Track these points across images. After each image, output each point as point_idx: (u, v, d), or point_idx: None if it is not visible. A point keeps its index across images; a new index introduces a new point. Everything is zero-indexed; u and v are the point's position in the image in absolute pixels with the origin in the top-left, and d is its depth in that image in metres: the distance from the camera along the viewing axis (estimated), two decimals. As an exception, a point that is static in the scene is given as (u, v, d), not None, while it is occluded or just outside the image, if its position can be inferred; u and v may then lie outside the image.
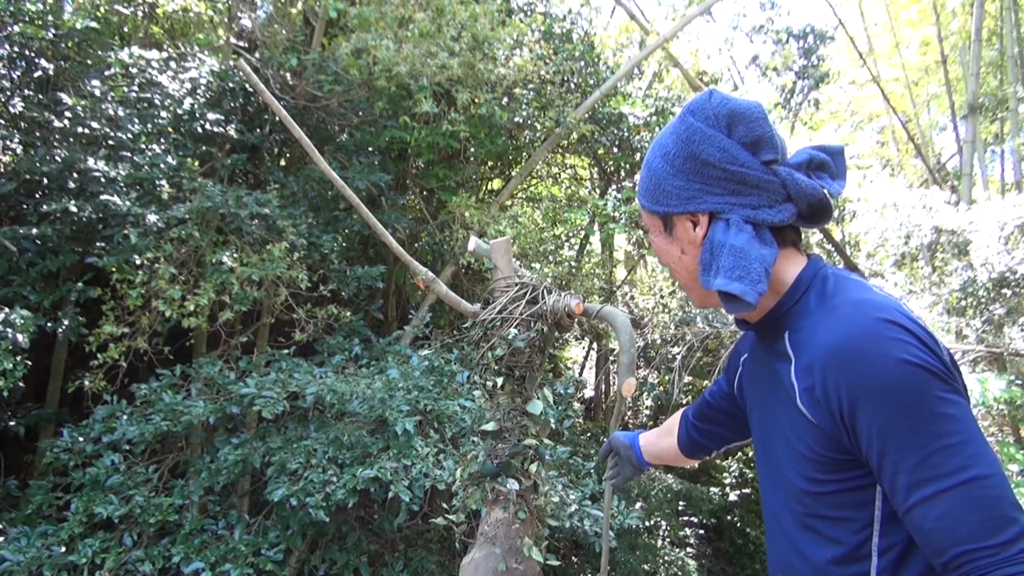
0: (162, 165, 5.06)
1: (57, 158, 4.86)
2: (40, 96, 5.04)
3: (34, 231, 4.61)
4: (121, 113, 5.17)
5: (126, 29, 6.32)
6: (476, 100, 5.86)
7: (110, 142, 5.16)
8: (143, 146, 5.34)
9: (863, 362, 0.93)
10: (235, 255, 4.87)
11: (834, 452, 0.99)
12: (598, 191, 8.86)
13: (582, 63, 6.86)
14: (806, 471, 1.03)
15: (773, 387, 1.10)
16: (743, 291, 1.01)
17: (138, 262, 4.58)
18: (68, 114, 5.04)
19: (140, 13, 6.32)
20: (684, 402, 11.41)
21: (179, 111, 5.39)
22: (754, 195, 1.06)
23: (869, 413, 0.92)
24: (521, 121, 6.80)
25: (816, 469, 1.01)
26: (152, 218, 4.67)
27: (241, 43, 6.08)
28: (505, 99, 6.52)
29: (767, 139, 1.06)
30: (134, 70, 5.39)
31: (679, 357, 7.87)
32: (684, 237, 1.11)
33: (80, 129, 5.07)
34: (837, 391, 0.95)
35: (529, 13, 7.05)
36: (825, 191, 1.06)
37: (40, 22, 4.84)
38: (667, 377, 9.75)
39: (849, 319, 0.97)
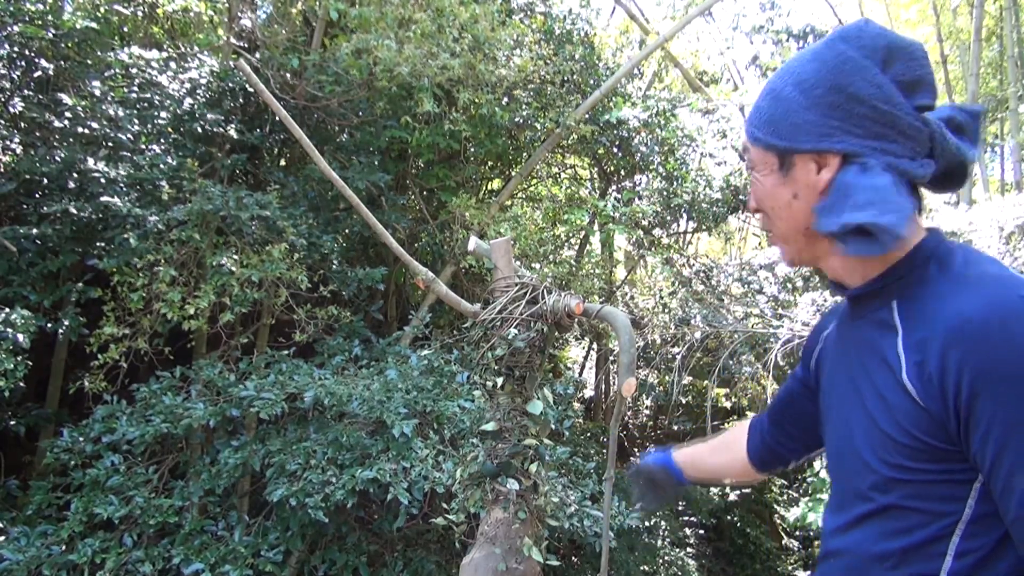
0: (162, 165, 5.06)
1: (57, 158, 4.86)
2: (40, 96, 5.04)
3: (34, 231, 4.61)
4: (121, 113, 5.17)
5: (126, 29, 6.32)
6: (477, 100, 5.86)
7: (110, 143, 5.16)
8: (143, 146, 5.34)
9: (1001, 340, 0.81)
10: (235, 256, 4.87)
11: (934, 439, 0.88)
12: (598, 191, 8.86)
13: (582, 64, 6.86)
14: (892, 457, 0.92)
15: (866, 361, 0.98)
16: (891, 222, 0.88)
17: (138, 264, 4.58)
18: (68, 114, 5.04)
19: (140, 13, 6.32)
20: (684, 402, 11.44)
21: (179, 111, 5.39)
22: (899, 142, 0.93)
23: (995, 398, 0.81)
24: (521, 121, 6.80)
25: (907, 456, 0.90)
26: (152, 219, 4.67)
27: (241, 43, 6.08)
28: (505, 99, 6.52)
29: (927, 82, 0.93)
30: (134, 70, 5.39)
31: (679, 357, 7.87)
32: (803, 180, 0.97)
33: (80, 129, 5.07)
34: (959, 369, 0.84)
35: (529, 13, 7.05)
36: (966, 155, 0.95)
37: (40, 22, 4.84)
38: (667, 377, 9.75)
39: (989, 293, 0.86)
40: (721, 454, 1.54)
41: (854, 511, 0.99)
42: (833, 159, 0.95)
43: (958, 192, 8.13)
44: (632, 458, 11.58)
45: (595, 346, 11.45)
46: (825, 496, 5.25)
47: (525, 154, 7.41)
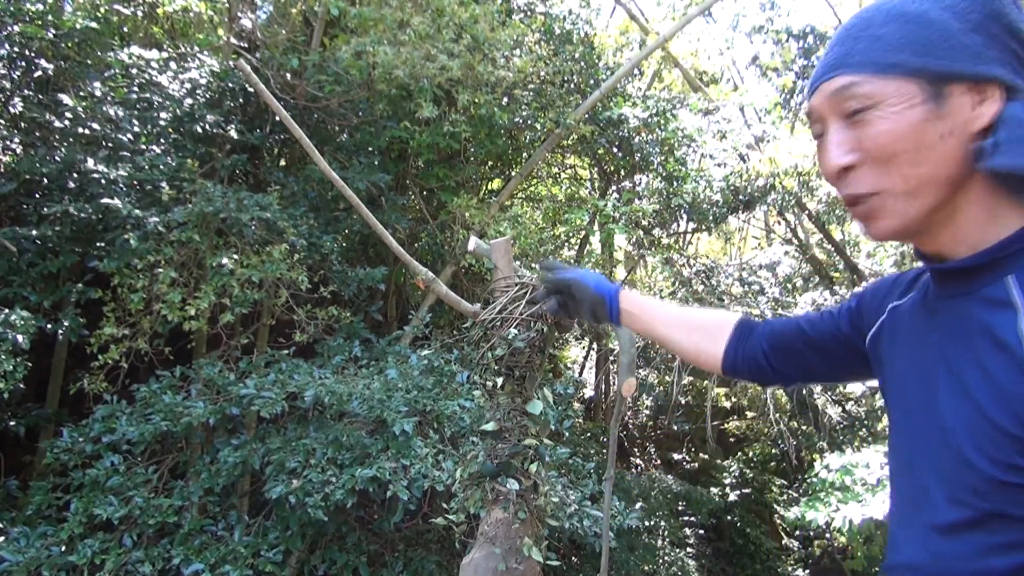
0: (162, 166, 5.06)
1: (57, 159, 4.86)
2: (40, 96, 5.05)
3: (34, 232, 4.61)
4: (121, 114, 5.18)
5: (126, 29, 6.32)
6: (476, 100, 5.87)
7: (110, 143, 5.16)
8: (143, 147, 5.34)
9: None
10: (235, 256, 4.87)
11: None
12: (598, 191, 8.87)
13: (582, 64, 6.86)
14: (1003, 454, 0.79)
15: (972, 344, 0.86)
16: None
17: (139, 265, 4.58)
18: (68, 115, 5.04)
19: (140, 13, 6.32)
20: (684, 402, 11.45)
21: (179, 112, 5.39)
22: None
23: None
24: (521, 121, 6.80)
25: (1022, 453, 0.78)
26: (152, 220, 4.67)
27: (241, 43, 6.08)
28: (505, 99, 6.52)
29: None
30: (134, 70, 5.39)
31: (679, 357, 7.86)
32: (959, 113, 0.82)
33: (80, 130, 5.07)
34: None
35: (529, 14, 7.05)
36: None
37: (40, 22, 4.84)
38: (667, 377, 9.76)
39: None
40: (689, 332, 1.35)
41: (945, 518, 0.84)
42: (994, 90, 0.82)
43: None
44: (632, 458, 11.60)
45: (595, 346, 11.45)
46: (825, 496, 5.25)
47: (525, 154, 7.41)
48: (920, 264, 1.00)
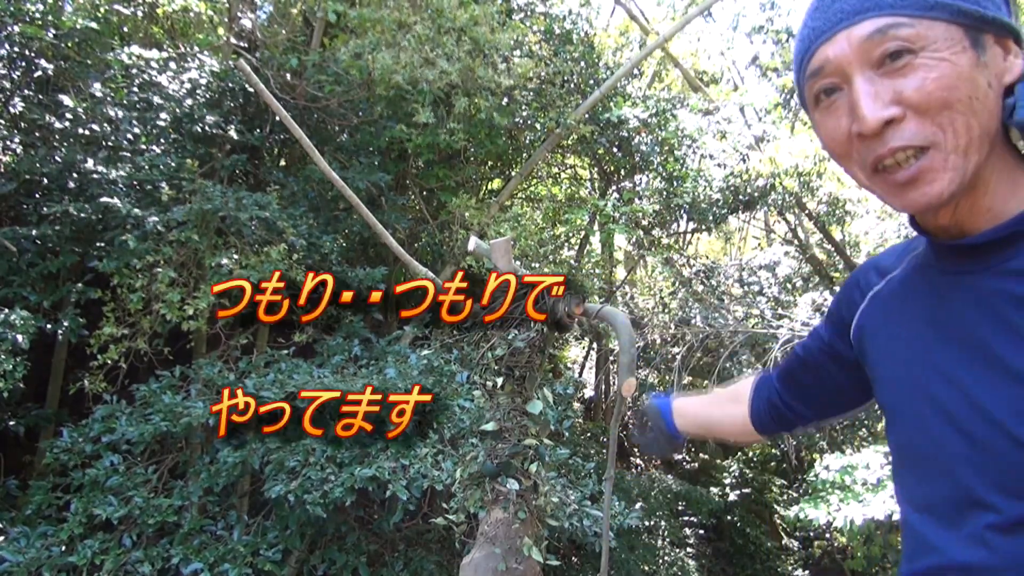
0: (162, 166, 5.06)
1: (57, 159, 4.86)
2: (40, 97, 5.05)
3: (34, 232, 4.62)
4: (121, 115, 5.18)
5: (126, 29, 6.32)
6: (476, 103, 5.86)
7: (110, 143, 5.16)
8: (143, 147, 5.34)
9: None
10: (235, 256, 4.87)
11: None
12: (598, 191, 8.87)
13: (582, 64, 6.86)
14: None
15: (993, 318, 0.79)
16: None
17: (138, 265, 4.58)
18: (68, 115, 5.04)
19: (140, 13, 6.32)
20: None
21: (179, 112, 5.39)
22: None
23: None
24: (521, 122, 6.80)
25: None
26: (152, 220, 4.67)
27: (241, 43, 6.08)
28: (505, 100, 6.52)
29: None
30: (134, 71, 5.39)
31: (679, 357, 7.87)
32: (995, 64, 0.76)
33: (80, 130, 5.07)
34: None
35: (529, 14, 7.06)
36: None
37: (40, 22, 4.84)
38: (667, 377, 9.75)
39: None
40: (722, 405, 1.36)
41: (1007, 516, 0.75)
42: (1011, 44, 0.77)
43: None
44: (632, 457, 11.59)
45: (595, 346, 11.45)
46: (825, 495, 5.24)
47: (525, 154, 7.41)
48: (898, 244, 0.95)
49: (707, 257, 11.28)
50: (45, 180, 4.94)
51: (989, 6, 0.75)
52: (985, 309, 0.79)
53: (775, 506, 10.72)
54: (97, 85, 5.24)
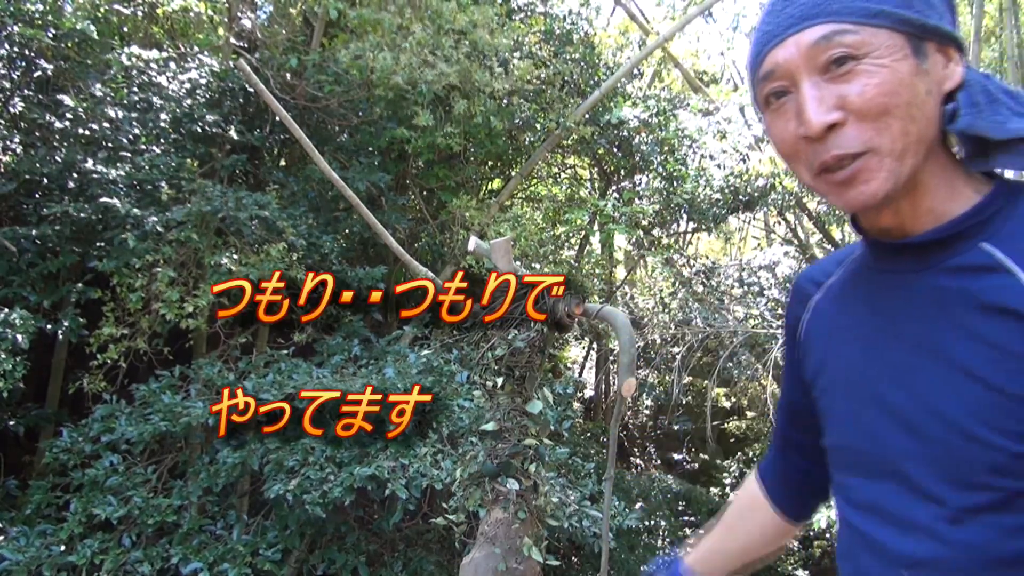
0: (161, 166, 5.07)
1: (57, 159, 4.86)
2: (40, 97, 5.05)
3: (34, 232, 4.62)
4: (121, 115, 5.18)
5: (126, 29, 6.32)
6: (475, 104, 5.86)
7: (110, 143, 5.16)
8: (143, 147, 5.34)
9: None
10: (234, 256, 4.88)
11: None
12: (598, 191, 8.86)
13: (582, 64, 6.86)
14: None
15: (955, 317, 0.80)
16: None
17: (137, 265, 4.58)
18: (68, 115, 5.04)
19: (140, 13, 6.32)
20: (684, 402, 11.45)
21: (179, 112, 5.39)
22: None
23: None
24: (520, 123, 6.80)
25: None
26: (152, 220, 4.67)
27: (241, 43, 6.08)
28: (505, 101, 6.52)
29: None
30: (134, 71, 5.39)
31: (679, 357, 7.88)
32: (935, 72, 0.78)
33: (80, 130, 5.07)
34: None
35: (529, 14, 7.06)
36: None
37: (40, 22, 4.84)
38: (667, 377, 9.75)
39: None
40: (740, 527, 1.25)
41: (957, 506, 0.77)
42: (954, 52, 0.79)
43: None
44: (632, 457, 11.60)
45: (595, 346, 11.46)
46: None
47: (525, 154, 7.41)
48: (835, 252, 0.95)
49: (707, 257, 11.28)
50: (45, 180, 4.94)
51: (932, 15, 0.77)
52: (931, 308, 0.80)
53: (775, 506, 10.70)
54: (97, 85, 5.24)
